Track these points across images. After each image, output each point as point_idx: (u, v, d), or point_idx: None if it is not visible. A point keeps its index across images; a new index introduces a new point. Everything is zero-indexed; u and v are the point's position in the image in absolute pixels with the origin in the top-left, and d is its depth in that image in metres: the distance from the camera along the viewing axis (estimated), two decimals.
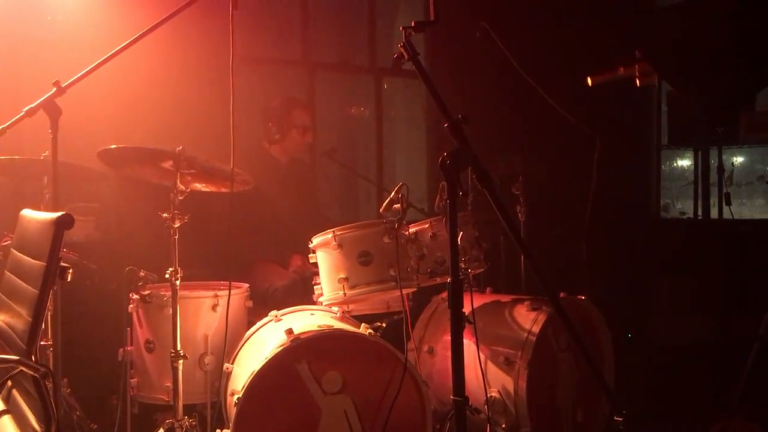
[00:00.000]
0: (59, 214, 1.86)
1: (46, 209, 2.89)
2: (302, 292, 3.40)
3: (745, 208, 7.37)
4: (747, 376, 3.55)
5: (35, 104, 2.61)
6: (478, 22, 3.69)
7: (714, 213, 5.98)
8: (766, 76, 5.84)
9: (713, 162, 5.85)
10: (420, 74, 2.06)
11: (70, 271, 1.89)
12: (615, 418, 1.89)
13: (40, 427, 1.91)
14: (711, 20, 5.40)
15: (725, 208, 4.92)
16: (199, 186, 3.07)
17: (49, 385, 1.92)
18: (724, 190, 4.87)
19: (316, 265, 3.05)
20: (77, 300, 3.36)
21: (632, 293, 5.65)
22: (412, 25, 2.10)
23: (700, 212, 6.56)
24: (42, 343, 2.81)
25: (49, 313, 2.76)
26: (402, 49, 2.09)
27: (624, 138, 5.71)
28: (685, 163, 7.56)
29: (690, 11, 5.74)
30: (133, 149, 2.89)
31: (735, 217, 4.86)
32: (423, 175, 6.01)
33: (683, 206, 7.39)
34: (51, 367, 2.77)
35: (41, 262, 1.87)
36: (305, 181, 4.34)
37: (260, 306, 3.29)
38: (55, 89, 2.63)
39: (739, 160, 7.55)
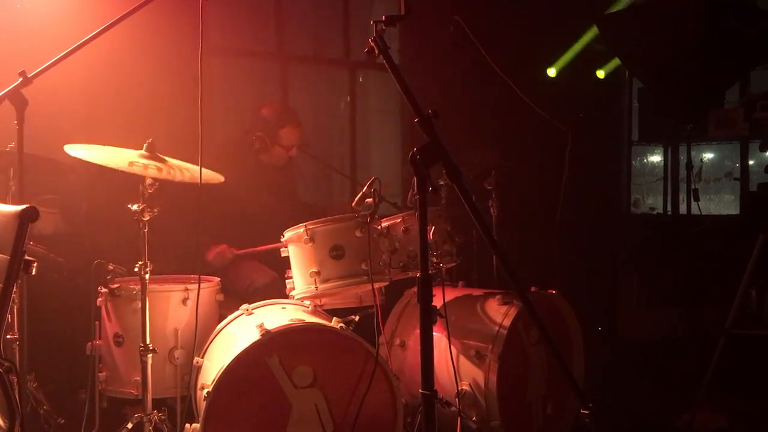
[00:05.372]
0: (23, 207, 1.84)
1: (13, 202, 2.85)
2: (283, 292, 3.36)
3: (713, 204, 7.47)
4: (713, 369, 3.62)
5: (0, 94, 2.56)
6: (451, 16, 3.68)
7: (683, 208, 6.08)
8: (734, 74, 5.94)
9: (683, 158, 5.94)
10: (390, 68, 2.05)
11: (35, 264, 1.87)
12: (582, 411, 1.90)
13: (4, 422, 1.88)
14: (681, 17, 5.47)
15: (694, 204, 5.00)
16: (170, 176, 3.03)
17: (14, 380, 1.90)
18: (693, 186, 4.93)
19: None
20: (45, 293, 3.31)
21: (602, 287, 5.72)
22: (383, 19, 2.09)
23: (669, 208, 6.66)
24: (8, 337, 2.76)
25: (15, 307, 2.72)
26: (373, 44, 2.08)
27: (596, 134, 5.77)
28: (655, 159, 7.66)
29: (661, 8, 5.81)
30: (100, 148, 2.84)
31: (703, 213, 4.94)
32: (397, 168, 6.01)
33: (653, 202, 7.49)
34: (17, 362, 2.73)
35: (5, 256, 1.84)
36: (285, 175, 4.27)
37: (234, 300, 3.26)
38: (21, 79, 2.57)
39: (708, 156, 7.67)
